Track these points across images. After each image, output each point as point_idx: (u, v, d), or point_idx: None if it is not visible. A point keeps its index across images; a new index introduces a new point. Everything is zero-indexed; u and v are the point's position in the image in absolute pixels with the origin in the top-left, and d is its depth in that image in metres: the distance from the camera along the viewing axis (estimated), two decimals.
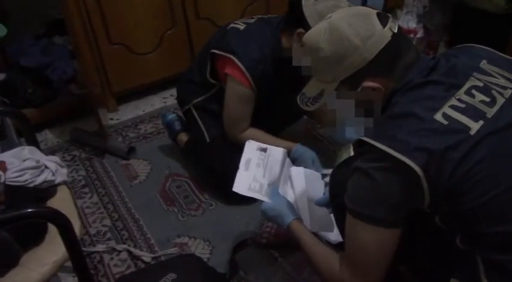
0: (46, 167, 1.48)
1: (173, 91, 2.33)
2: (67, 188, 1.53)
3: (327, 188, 1.43)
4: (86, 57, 2.20)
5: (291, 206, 1.44)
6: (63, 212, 1.17)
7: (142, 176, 2.20)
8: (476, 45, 1.19)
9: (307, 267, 1.63)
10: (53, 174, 1.48)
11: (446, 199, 0.99)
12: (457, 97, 1.04)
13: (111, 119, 2.62)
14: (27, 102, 2.46)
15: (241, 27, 1.89)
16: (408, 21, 2.63)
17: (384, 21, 1.10)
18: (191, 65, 2.14)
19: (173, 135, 2.24)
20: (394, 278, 1.27)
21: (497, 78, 1.09)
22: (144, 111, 2.68)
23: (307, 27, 1.61)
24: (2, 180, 1.35)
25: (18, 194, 1.36)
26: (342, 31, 1.09)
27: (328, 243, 1.58)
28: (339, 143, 2.09)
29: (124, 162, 2.29)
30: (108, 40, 2.48)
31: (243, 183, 1.50)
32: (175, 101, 2.24)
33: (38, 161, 1.47)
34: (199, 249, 1.79)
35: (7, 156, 1.48)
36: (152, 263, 1.74)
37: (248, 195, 1.48)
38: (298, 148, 1.88)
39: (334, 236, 1.57)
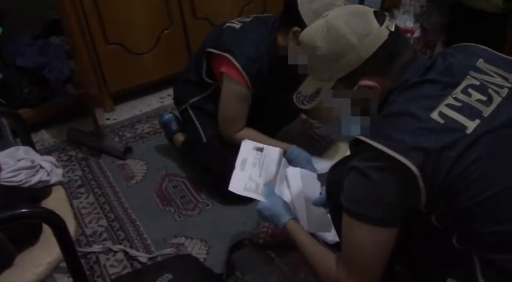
0: (41, 167, 1.48)
1: (170, 91, 2.32)
2: (62, 188, 1.53)
3: (324, 187, 1.42)
4: (82, 57, 2.20)
5: (287, 205, 1.43)
6: (58, 212, 1.16)
7: (139, 176, 2.19)
8: (473, 44, 1.19)
9: (303, 267, 1.63)
10: (48, 175, 1.48)
11: (442, 198, 0.99)
12: (454, 96, 1.03)
13: (108, 119, 2.62)
14: (24, 102, 2.46)
15: (237, 26, 1.88)
16: (405, 20, 2.63)
17: (381, 20, 1.09)
18: (188, 65, 2.13)
19: (170, 135, 2.23)
20: (391, 278, 1.26)
21: (493, 77, 1.09)
22: (141, 111, 2.68)
23: (302, 25, 1.61)
24: None
25: (13, 194, 1.36)
26: (339, 29, 1.08)
27: (325, 243, 1.58)
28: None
29: (120, 162, 2.28)
30: (104, 40, 2.48)
31: (239, 183, 1.49)
32: (173, 101, 2.24)
33: (33, 161, 1.46)
34: (196, 249, 1.78)
35: (2, 156, 1.47)
36: (148, 263, 1.73)
37: (244, 194, 1.48)
38: (294, 150, 1.87)
39: (331, 236, 1.57)
